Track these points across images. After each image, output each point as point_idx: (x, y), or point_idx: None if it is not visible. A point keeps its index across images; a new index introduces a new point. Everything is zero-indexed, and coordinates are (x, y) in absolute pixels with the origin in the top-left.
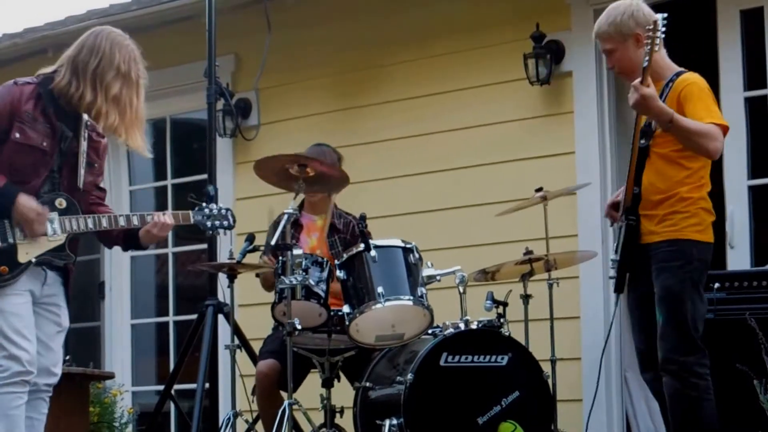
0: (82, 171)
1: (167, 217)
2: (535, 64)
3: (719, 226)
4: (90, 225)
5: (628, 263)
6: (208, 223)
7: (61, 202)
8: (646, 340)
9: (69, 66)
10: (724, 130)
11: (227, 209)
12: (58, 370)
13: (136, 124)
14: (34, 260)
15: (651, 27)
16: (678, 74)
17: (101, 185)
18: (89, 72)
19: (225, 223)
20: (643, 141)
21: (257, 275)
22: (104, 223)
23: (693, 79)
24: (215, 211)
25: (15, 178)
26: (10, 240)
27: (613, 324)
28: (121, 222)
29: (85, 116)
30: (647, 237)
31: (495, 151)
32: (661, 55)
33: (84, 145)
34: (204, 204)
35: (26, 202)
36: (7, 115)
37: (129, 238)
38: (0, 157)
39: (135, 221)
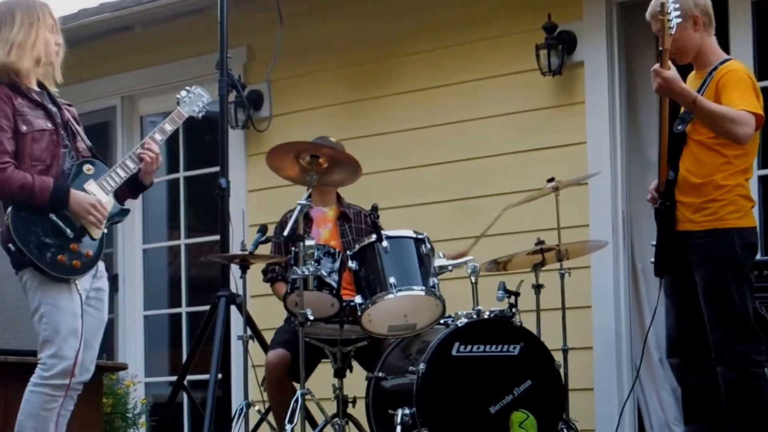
0: (81, 133)
1: (153, 145)
2: (547, 55)
3: None
4: (123, 174)
5: (664, 248)
6: (195, 109)
7: (89, 168)
8: (678, 325)
9: None
10: (759, 119)
11: (191, 87)
12: (93, 367)
13: (55, 65)
14: (105, 230)
15: (659, 9)
16: (723, 62)
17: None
18: (2, 41)
19: (204, 98)
20: (680, 127)
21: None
22: (130, 164)
23: (733, 66)
24: (191, 95)
25: (39, 167)
26: (77, 224)
27: (656, 310)
28: (130, 163)
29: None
30: (684, 224)
31: (506, 141)
32: (711, 41)
33: (67, 113)
34: (177, 96)
35: (81, 197)
36: (12, 114)
37: (133, 186)
38: (20, 156)
39: (133, 162)
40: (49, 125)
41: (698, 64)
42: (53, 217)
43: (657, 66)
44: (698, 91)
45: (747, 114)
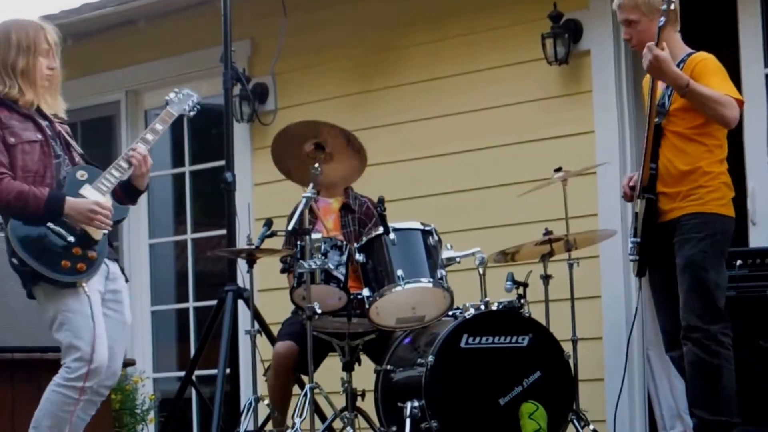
0: (73, 143)
1: (140, 147)
2: (553, 44)
3: (740, 203)
4: (117, 175)
5: (649, 243)
6: (185, 107)
7: (82, 174)
8: (671, 319)
9: None
10: (739, 103)
11: (180, 89)
12: (119, 372)
13: (50, 89)
14: (105, 232)
15: None
16: (689, 54)
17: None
18: (0, 66)
19: (193, 98)
20: (657, 119)
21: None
22: (123, 164)
23: (706, 56)
24: (180, 96)
25: (32, 179)
26: (77, 228)
27: (638, 307)
28: (123, 163)
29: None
30: (668, 215)
31: (514, 131)
32: (676, 37)
33: (59, 126)
34: (166, 98)
35: (79, 203)
36: None
37: (128, 191)
38: (12, 168)
39: (124, 164)
40: (39, 136)
41: None
42: (50, 225)
43: (652, 43)
44: (667, 86)
45: (731, 98)
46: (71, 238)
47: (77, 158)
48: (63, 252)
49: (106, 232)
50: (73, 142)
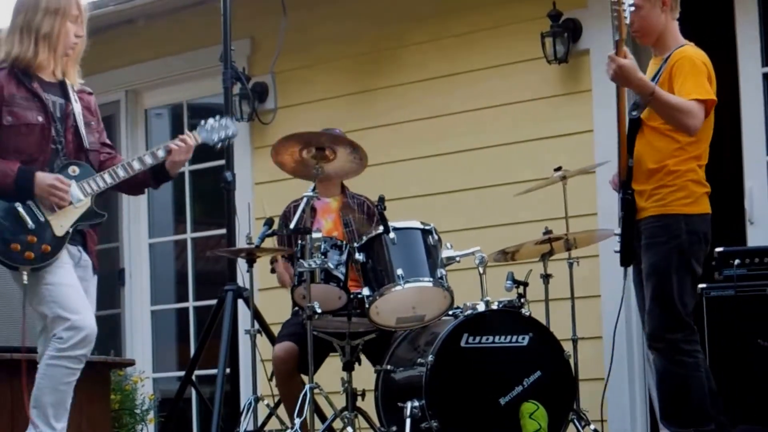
0: (84, 132)
1: (190, 139)
2: (553, 43)
3: (739, 203)
4: (109, 180)
5: (628, 238)
6: (215, 137)
7: (74, 170)
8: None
9: (10, 36)
10: (710, 104)
11: (222, 117)
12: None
13: (71, 59)
14: (70, 230)
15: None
16: (679, 47)
17: (106, 141)
18: (24, 27)
19: (229, 131)
20: (635, 113)
21: (272, 266)
22: (121, 173)
23: (687, 52)
24: (215, 124)
25: (23, 159)
26: (41, 218)
27: (623, 301)
28: (136, 166)
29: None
30: (639, 213)
31: (513, 130)
32: (673, 25)
33: (77, 106)
34: (202, 122)
35: (44, 177)
36: None
37: (157, 174)
38: (2, 146)
39: (148, 160)
40: (40, 119)
41: (657, 49)
42: (18, 206)
43: (612, 53)
44: (654, 77)
45: (697, 104)
46: (31, 225)
47: (85, 143)
48: (16, 235)
49: (69, 230)
50: (83, 132)
